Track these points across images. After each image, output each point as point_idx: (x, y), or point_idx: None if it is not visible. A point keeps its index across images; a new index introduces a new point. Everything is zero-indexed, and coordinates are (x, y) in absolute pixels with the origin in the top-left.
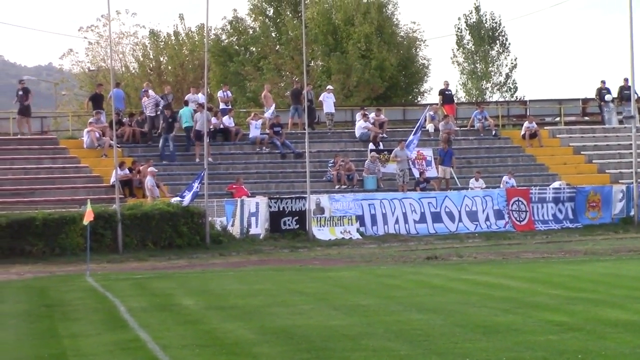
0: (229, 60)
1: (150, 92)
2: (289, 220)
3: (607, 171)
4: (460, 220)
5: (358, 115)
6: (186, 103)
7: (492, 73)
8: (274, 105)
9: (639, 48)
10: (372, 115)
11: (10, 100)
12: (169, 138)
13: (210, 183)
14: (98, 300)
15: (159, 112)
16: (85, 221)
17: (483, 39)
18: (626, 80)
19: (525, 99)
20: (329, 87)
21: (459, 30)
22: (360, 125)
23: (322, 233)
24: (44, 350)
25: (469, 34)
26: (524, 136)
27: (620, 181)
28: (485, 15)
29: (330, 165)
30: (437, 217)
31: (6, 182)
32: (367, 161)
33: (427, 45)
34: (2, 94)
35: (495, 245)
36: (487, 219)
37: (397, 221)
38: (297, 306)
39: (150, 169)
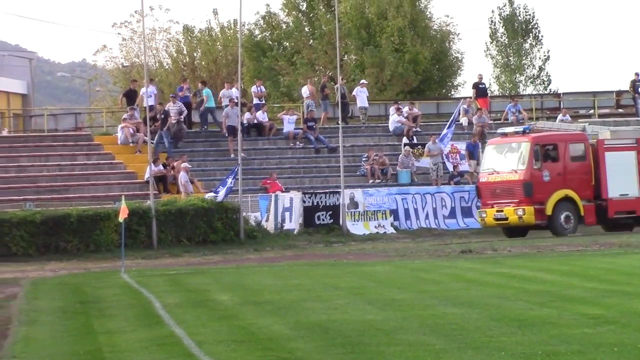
0: (263, 55)
1: (177, 101)
2: (323, 215)
3: None
4: None
5: (391, 109)
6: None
7: (526, 66)
8: (312, 102)
9: None
10: (405, 109)
11: (45, 97)
12: (163, 134)
13: (244, 178)
14: (133, 297)
15: (181, 120)
16: (120, 218)
17: (516, 32)
18: None
19: (559, 91)
20: (362, 81)
21: (493, 24)
22: (394, 120)
23: (356, 227)
24: (80, 347)
25: (503, 26)
26: None
27: None
28: (519, 8)
29: (364, 159)
30: (467, 212)
31: (41, 179)
32: (400, 155)
33: (460, 38)
34: (37, 90)
35: (529, 238)
36: None
37: (427, 216)
38: (332, 301)
39: (184, 164)
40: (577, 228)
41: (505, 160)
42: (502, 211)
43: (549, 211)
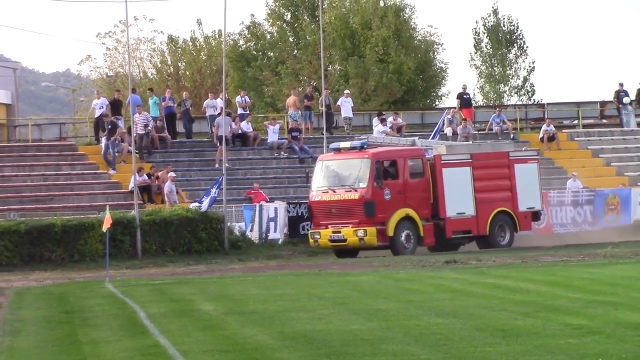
0: (247, 65)
1: (146, 114)
2: (307, 225)
3: (625, 174)
4: None
5: (376, 120)
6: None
7: (510, 76)
8: (297, 113)
9: None
10: (390, 119)
11: (29, 107)
12: (109, 144)
13: (229, 188)
14: (118, 307)
15: (148, 131)
16: (104, 227)
17: (501, 42)
18: None
19: (543, 102)
20: (347, 91)
21: (477, 34)
22: (378, 130)
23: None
24: (64, 357)
25: (487, 37)
26: (542, 139)
27: (639, 184)
28: (503, 19)
29: None
30: None
31: (25, 189)
32: None
33: (444, 48)
34: (21, 100)
35: (514, 249)
36: None
37: None
38: (317, 311)
39: (170, 174)
40: (416, 249)
41: (342, 177)
42: (339, 232)
43: (390, 232)
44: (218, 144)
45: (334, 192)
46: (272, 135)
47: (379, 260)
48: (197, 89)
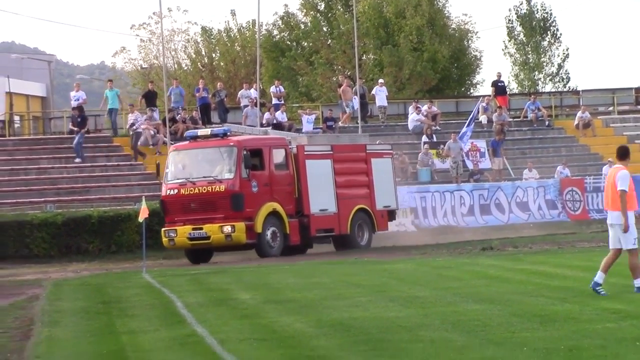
0: (281, 55)
1: (137, 114)
2: None
3: None
4: (511, 211)
5: (410, 108)
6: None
7: (544, 64)
8: (355, 99)
9: None
10: (424, 107)
11: (64, 99)
12: (79, 137)
13: None
14: (155, 297)
15: (137, 129)
16: (141, 218)
17: (534, 30)
18: None
19: (578, 89)
20: (381, 80)
21: (510, 22)
22: (413, 118)
23: None
24: (103, 347)
25: (520, 25)
26: (577, 126)
27: None
28: (536, 6)
29: None
30: (485, 209)
31: (62, 181)
32: (420, 154)
33: (478, 37)
34: (56, 92)
35: (550, 235)
36: (540, 209)
37: (445, 214)
38: (354, 298)
39: None
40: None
41: (202, 168)
42: (201, 229)
43: (258, 228)
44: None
45: (194, 184)
46: (307, 125)
47: (416, 248)
48: (231, 80)
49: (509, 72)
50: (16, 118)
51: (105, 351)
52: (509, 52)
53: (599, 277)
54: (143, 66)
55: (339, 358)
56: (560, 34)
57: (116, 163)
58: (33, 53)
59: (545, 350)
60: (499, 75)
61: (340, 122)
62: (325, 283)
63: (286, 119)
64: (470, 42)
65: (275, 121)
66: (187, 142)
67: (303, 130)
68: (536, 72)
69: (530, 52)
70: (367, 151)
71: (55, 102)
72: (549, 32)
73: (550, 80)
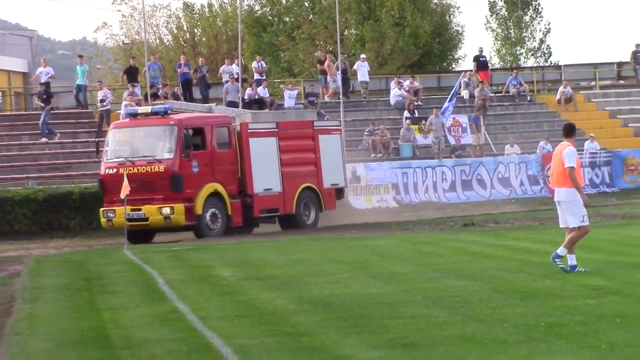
0: (263, 30)
1: (106, 90)
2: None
3: None
4: (492, 187)
5: (392, 83)
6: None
7: (526, 38)
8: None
9: None
10: (406, 82)
11: None
12: (45, 113)
13: None
14: (136, 273)
15: (106, 105)
16: (122, 194)
17: (516, 5)
18: None
19: (560, 63)
20: (362, 55)
21: None
22: (395, 93)
23: (358, 202)
24: (84, 323)
25: (502, 0)
26: (559, 101)
27: None
28: None
29: (365, 133)
30: (467, 185)
31: (43, 157)
32: (402, 129)
33: (460, 12)
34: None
35: (531, 211)
36: (522, 184)
37: (427, 189)
38: (335, 275)
39: None
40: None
41: (142, 147)
42: (139, 210)
43: (199, 210)
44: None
45: (133, 164)
46: (289, 100)
47: (397, 224)
48: (213, 55)
49: (491, 47)
50: None
51: (86, 327)
52: (490, 27)
53: (561, 251)
54: (125, 42)
55: (320, 334)
56: (542, 9)
57: (99, 139)
58: (14, 29)
59: (525, 327)
60: (481, 50)
61: (326, 97)
62: (307, 259)
63: (268, 95)
64: (452, 17)
65: (257, 97)
66: (127, 120)
67: (285, 106)
68: (518, 47)
69: (512, 27)
70: (315, 128)
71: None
72: (530, 6)
73: (532, 55)
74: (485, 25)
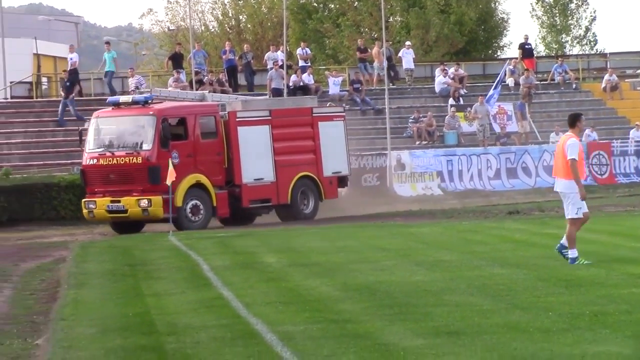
0: (308, 17)
1: (139, 77)
2: (369, 177)
3: None
4: (537, 175)
5: (437, 71)
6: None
7: (572, 26)
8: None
9: None
10: (451, 70)
11: (91, 61)
12: (67, 103)
13: None
14: (181, 259)
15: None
16: (168, 181)
17: None
18: None
19: (605, 51)
20: (408, 43)
21: None
22: (440, 81)
23: (403, 189)
24: (129, 309)
25: None
26: (604, 89)
27: None
28: None
29: (410, 121)
30: (512, 173)
31: None
32: (447, 117)
33: None
34: (83, 54)
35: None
36: None
37: (472, 177)
38: (380, 262)
39: None
40: (209, 220)
41: (122, 137)
42: (118, 201)
43: (179, 202)
44: (271, 97)
45: (113, 155)
46: (333, 87)
47: (442, 212)
48: (258, 42)
49: (536, 34)
50: (43, 79)
51: (130, 313)
52: (536, 15)
53: (565, 241)
54: (170, 28)
55: (365, 322)
56: None
57: None
58: (60, 15)
59: (570, 315)
60: (526, 38)
61: (373, 84)
62: (351, 246)
63: (313, 82)
64: (497, 4)
65: (301, 83)
66: (110, 109)
67: (329, 92)
68: (563, 35)
69: (557, 15)
70: (314, 115)
71: (83, 64)
72: None
73: (578, 42)
74: (530, 12)
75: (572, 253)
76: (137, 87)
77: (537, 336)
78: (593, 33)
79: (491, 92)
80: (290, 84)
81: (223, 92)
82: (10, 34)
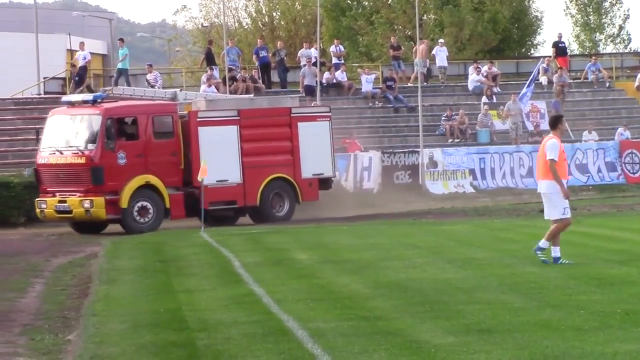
0: (342, 14)
1: (156, 73)
2: (402, 174)
3: None
4: (570, 173)
5: (471, 69)
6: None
7: (605, 25)
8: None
9: None
10: (484, 68)
11: None
12: None
13: None
14: (212, 256)
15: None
16: (200, 177)
17: None
18: None
19: (639, 50)
20: (441, 40)
21: None
22: (473, 79)
23: (435, 187)
24: (160, 305)
25: None
26: (638, 88)
27: None
28: None
29: (443, 118)
30: None
31: None
32: (480, 114)
33: None
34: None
35: (609, 197)
36: (599, 171)
37: (504, 175)
38: (411, 260)
39: None
40: (162, 222)
41: (70, 137)
42: (65, 202)
43: (124, 203)
44: (304, 94)
45: (62, 154)
46: (366, 84)
47: (474, 210)
48: (291, 39)
49: (570, 33)
50: None
51: (162, 310)
52: (570, 13)
53: (543, 243)
54: (204, 24)
55: (396, 319)
56: None
57: None
58: (94, 11)
59: (602, 314)
60: (560, 36)
61: (409, 81)
62: (383, 244)
63: (346, 79)
64: (531, 2)
65: (335, 81)
66: (64, 107)
67: (363, 90)
68: (597, 33)
69: (591, 13)
70: (292, 115)
71: (116, 59)
72: None
73: (611, 41)
74: (564, 11)
75: (555, 252)
76: (153, 85)
77: (568, 334)
78: (627, 31)
79: (524, 90)
80: (324, 81)
81: (256, 89)
82: (44, 30)
